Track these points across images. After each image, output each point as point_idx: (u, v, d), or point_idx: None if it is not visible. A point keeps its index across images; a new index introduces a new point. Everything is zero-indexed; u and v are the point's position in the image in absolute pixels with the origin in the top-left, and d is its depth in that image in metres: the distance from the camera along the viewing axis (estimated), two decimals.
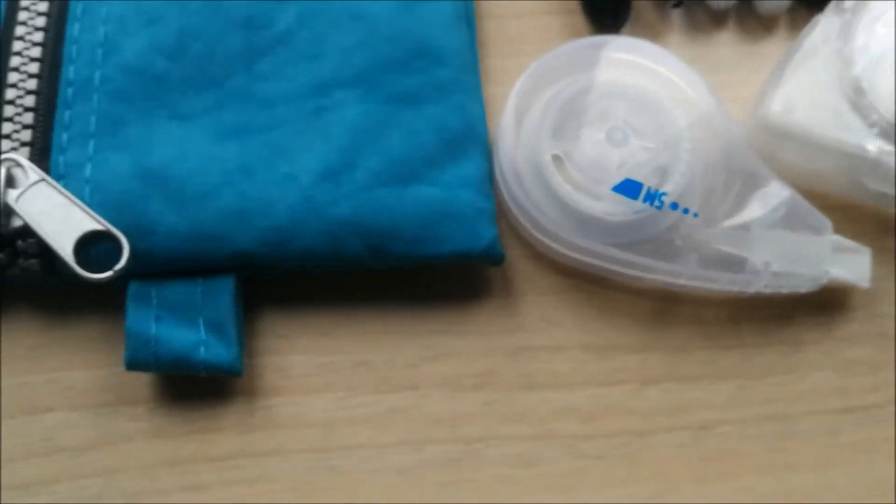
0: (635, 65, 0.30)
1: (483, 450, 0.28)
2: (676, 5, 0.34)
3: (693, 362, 0.29)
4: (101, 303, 0.29)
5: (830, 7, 0.30)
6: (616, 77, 0.30)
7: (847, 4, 0.30)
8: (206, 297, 0.27)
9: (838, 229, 0.29)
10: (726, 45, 0.34)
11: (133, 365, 0.27)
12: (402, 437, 0.28)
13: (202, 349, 0.27)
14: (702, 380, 0.29)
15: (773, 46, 0.34)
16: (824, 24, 0.30)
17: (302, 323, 0.29)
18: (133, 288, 0.27)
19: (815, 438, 0.28)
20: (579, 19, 0.34)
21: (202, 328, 0.27)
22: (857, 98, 0.28)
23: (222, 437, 0.28)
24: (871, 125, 0.28)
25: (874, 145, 0.28)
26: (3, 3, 0.29)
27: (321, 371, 0.29)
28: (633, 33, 0.34)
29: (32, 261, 0.27)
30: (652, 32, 0.34)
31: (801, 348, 0.30)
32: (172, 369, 0.27)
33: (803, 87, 0.29)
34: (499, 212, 0.29)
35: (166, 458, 0.28)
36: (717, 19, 0.34)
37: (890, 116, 0.28)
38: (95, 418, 0.28)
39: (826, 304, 0.30)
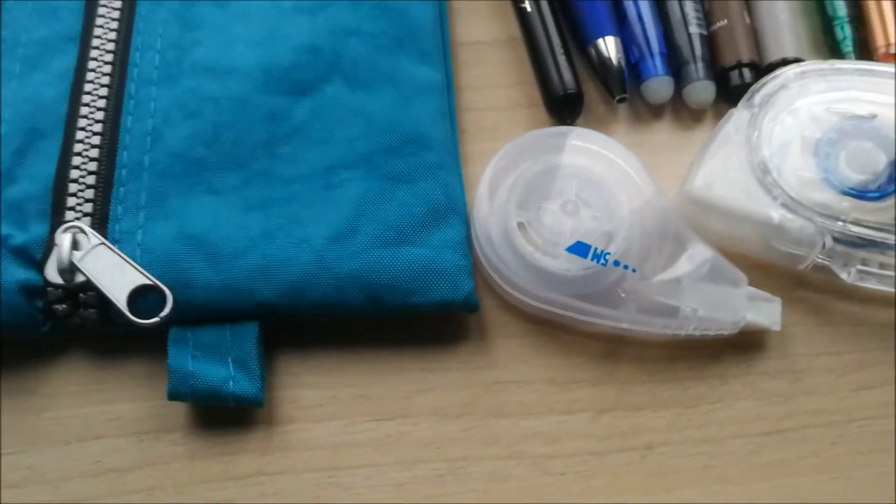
0: (587, 150, 0.34)
1: (464, 468, 0.31)
2: (621, 101, 0.37)
3: (638, 394, 0.32)
4: (144, 346, 0.31)
5: (741, 103, 0.33)
6: (571, 160, 0.34)
7: (755, 100, 0.33)
8: (233, 340, 0.30)
9: (755, 283, 0.32)
10: (663, 132, 0.37)
11: (173, 395, 0.30)
12: (397, 458, 0.31)
13: (231, 383, 0.30)
14: (646, 408, 0.32)
15: (701, 134, 0.37)
16: (736, 117, 0.33)
17: (313, 362, 0.32)
18: (173, 332, 0.30)
19: (741, 457, 0.31)
20: (541, 112, 0.37)
21: (231, 366, 0.30)
22: (763, 177, 0.32)
23: (245, 458, 0.30)
24: (775, 198, 0.31)
25: (778, 214, 0.31)
26: (66, 103, 0.33)
27: (328, 402, 0.31)
28: (585, 124, 0.37)
29: (91, 311, 0.30)
30: (601, 123, 0.37)
31: (727, 381, 0.32)
32: (205, 400, 0.30)
33: (720, 167, 0.32)
34: (475, 269, 0.32)
35: (199, 477, 0.30)
36: (655, 111, 0.38)
37: (790, 190, 0.31)
38: (139, 443, 0.30)
39: (747, 344, 0.33)
